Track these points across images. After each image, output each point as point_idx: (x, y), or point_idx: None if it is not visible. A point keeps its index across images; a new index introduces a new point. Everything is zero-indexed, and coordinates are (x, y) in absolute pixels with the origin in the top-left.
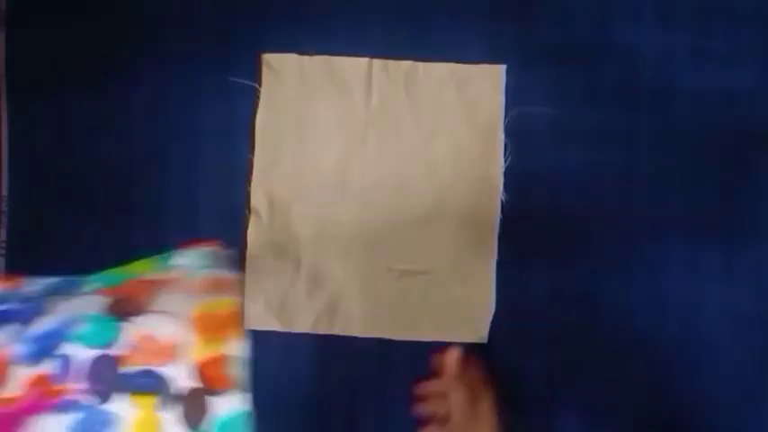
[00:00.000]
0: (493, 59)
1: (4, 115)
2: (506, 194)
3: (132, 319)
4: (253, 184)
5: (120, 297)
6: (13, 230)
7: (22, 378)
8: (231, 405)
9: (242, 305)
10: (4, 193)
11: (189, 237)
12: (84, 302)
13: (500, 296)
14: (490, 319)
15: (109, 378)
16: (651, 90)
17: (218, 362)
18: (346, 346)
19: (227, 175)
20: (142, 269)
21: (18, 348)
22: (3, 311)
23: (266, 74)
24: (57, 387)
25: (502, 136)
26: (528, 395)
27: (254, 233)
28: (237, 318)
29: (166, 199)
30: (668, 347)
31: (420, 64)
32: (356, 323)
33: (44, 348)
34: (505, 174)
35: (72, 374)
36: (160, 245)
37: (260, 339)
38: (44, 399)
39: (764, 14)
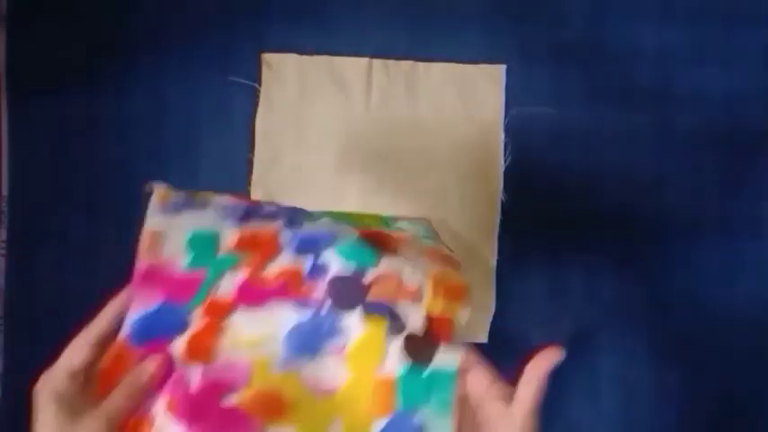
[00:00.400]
0: (493, 59)
1: (4, 115)
2: (506, 194)
3: (386, 254)
4: (253, 183)
5: (369, 233)
6: (13, 230)
7: (280, 265)
8: (448, 360)
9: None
10: (4, 193)
11: None
12: (338, 227)
13: (500, 296)
14: (490, 319)
15: (351, 295)
16: (651, 90)
17: (445, 322)
18: None
19: (226, 175)
20: (369, 223)
21: (287, 238)
22: (269, 211)
23: (266, 73)
24: (304, 286)
25: (502, 136)
26: None
27: None
28: (468, 292)
29: None
30: (668, 347)
31: (420, 64)
32: None
33: (308, 248)
34: (505, 174)
35: (321, 280)
36: None
37: None
38: (290, 290)
39: (764, 14)
